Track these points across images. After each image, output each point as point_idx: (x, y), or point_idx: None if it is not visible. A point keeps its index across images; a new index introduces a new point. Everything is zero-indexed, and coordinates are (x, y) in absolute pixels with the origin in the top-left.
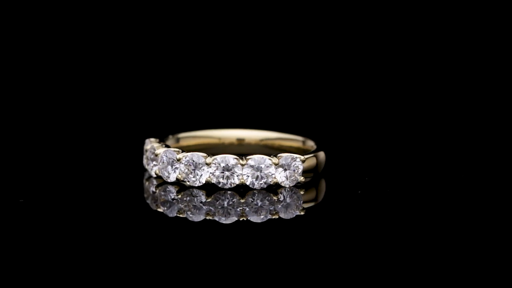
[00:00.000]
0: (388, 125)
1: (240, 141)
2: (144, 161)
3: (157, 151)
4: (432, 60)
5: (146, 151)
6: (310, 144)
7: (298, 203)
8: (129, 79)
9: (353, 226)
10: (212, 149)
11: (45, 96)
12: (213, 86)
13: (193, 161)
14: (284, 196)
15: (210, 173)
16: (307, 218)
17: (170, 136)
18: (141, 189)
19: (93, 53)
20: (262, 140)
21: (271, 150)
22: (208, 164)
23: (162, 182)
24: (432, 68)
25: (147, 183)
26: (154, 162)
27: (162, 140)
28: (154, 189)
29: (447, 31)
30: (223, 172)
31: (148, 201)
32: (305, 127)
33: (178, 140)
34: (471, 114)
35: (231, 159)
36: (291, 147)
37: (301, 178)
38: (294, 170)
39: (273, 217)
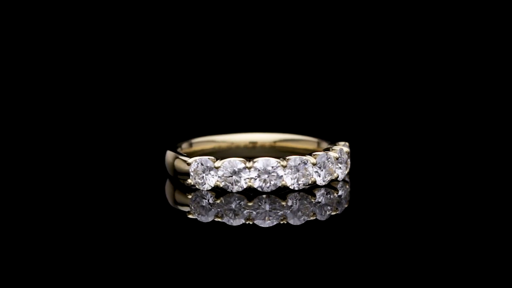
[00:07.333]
0: (399, 125)
1: (253, 144)
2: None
3: (189, 161)
4: (444, 58)
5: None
6: (325, 145)
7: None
8: (143, 86)
9: (369, 227)
10: (224, 153)
11: (58, 103)
12: (224, 90)
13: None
14: (342, 193)
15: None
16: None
17: (184, 142)
18: (153, 192)
19: (106, 62)
20: (275, 142)
21: (284, 152)
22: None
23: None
24: (444, 66)
25: (168, 187)
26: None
27: (176, 146)
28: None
29: (451, 31)
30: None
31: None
32: (318, 128)
33: (191, 145)
34: (469, 114)
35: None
36: (305, 149)
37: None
38: (346, 162)
39: (334, 213)
